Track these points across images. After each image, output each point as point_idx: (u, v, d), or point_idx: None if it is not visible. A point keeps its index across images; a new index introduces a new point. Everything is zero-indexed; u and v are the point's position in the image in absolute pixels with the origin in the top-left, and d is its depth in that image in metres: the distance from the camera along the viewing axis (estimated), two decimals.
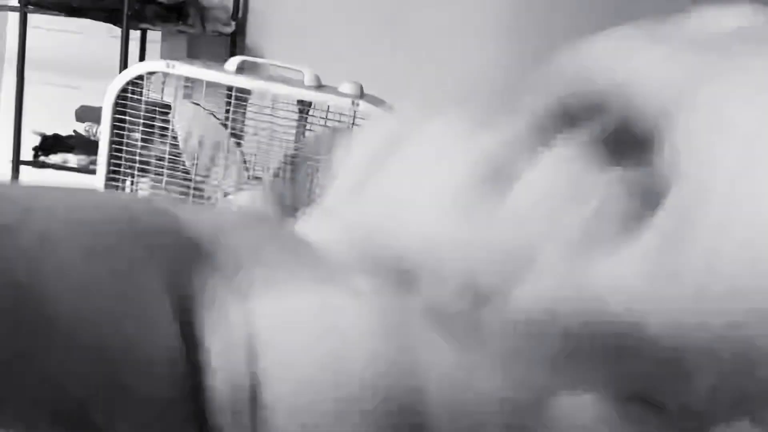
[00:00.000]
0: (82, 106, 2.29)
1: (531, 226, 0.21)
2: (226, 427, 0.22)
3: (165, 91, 1.69)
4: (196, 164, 1.65)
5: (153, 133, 1.68)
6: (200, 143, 1.65)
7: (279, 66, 1.72)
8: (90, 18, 2.25)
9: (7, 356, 0.19)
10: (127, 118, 1.63)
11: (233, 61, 1.64)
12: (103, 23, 2.31)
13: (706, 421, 0.20)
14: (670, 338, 0.18)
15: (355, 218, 0.25)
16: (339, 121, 1.66)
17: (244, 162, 1.67)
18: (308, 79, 1.63)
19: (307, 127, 1.71)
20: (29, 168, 2.22)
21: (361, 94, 1.63)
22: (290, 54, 2.48)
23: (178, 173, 1.67)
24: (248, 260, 0.24)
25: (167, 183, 1.67)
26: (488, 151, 0.23)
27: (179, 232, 0.24)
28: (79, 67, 2.90)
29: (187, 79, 1.64)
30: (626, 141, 0.22)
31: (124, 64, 2.02)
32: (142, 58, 2.58)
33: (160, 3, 2.14)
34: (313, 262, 0.24)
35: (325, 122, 1.67)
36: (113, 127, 1.63)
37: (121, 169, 1.67)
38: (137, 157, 1.66)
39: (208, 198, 1.68)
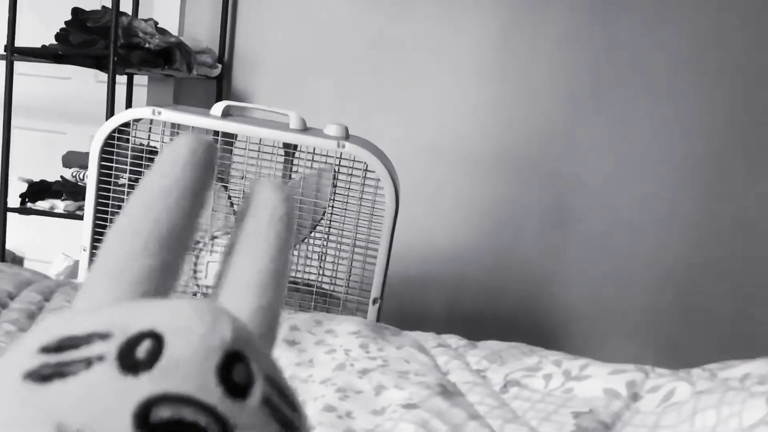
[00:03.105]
0: (69, 152, 2.30)
1: None
2: None
3: (151, 135, 1.70)
4: None
5: (140, 177, 1.69)
6: None
7: (264, 110, 1.73)
8: (76, 64, 2.27)
9: None
10: (114, 164, 1.63)
11: (219, 106, 1.65)
12: (90, 69, 2.33)
13: None
14: None
15: None
16: (325, 163, 1.67)
17: (231, 205, 1.68)
18: (293, 122, 1.65)
19: (294, 169, 1.72)
20: (16, 215, 2.22)
21: (347, 136, 1.64)
22: (276, 96, 2.50)
23: None
24: None
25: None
26: None
27: None
28: (66, 113, 2.92)
29: (174, 123, 1.65)
30: None
31: (110, 110, 2.03)
32: (129, 102, 2.60)
33: (147, 48, 2.16)
34: None
35: (311, 164, 1.69)
36: (100, 172, 1.64)
37: (108, 215, 1.67)
38: (124, 203, 1.66)
39: (196, 242, 1.68)
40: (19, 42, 2.09)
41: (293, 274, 1.72)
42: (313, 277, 1.71)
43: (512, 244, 2.49)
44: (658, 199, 2.41)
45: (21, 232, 2.40)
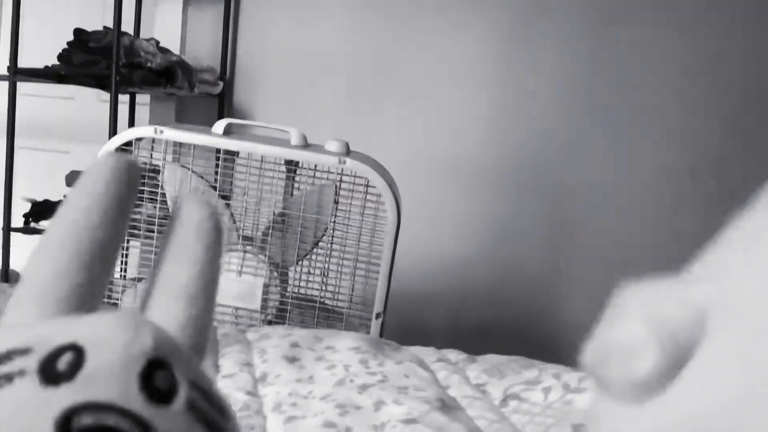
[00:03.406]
0: (72, 171, 2.31)
1: None
2: None
3: (154, 154, 1.71)
4: None
5: (142, 196, 1.70)
6: None
7: (266, 127, 1.74)
8: (79, 84, 2.28)
9: None
10: None
11: (220, 124, 1.66)
12: (92, 88, 2.34)
13: None
14: None
15: None
16: (326, 179, 1.68)
17: (234, 222, 1.69)
18: (295, 139, 1.65)
19: (295, 185, 1.73)
20: (20, 235, 2.23)
21: (348, 152, 1.65)
22: (277, 113, 2.51)
23: None
24: None
25: (157, 246, 1.68)
26: None
27: None
28: (69, 132, 2.93)
29: (176, 141, 1.67)
30: None
31: (113, 129, 2.04)
32: (131, 121, 2.61)
33: (149, 68, 2.17)
34: None
35: (313, 180, 1.69)
36: None
37: None
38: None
39: None
40: (22, 63, 2.11)
41: (296, 290, 1.72)
42: (315, 292, 1.71)
43: (514, 257, 2.49)
44: (659, 210, 2.41)
45: (25, 252, 2.40)
